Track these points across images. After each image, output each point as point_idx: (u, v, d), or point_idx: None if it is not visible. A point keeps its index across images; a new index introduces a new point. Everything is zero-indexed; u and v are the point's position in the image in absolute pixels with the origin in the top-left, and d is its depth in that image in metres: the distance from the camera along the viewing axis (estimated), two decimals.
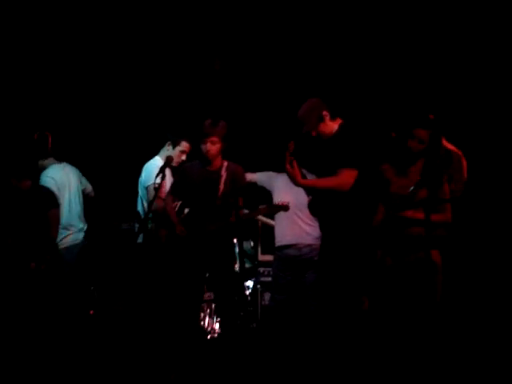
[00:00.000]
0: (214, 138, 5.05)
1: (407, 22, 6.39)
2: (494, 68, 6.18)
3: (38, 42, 6.78)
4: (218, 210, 5.14)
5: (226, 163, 5.21)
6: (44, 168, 6.04)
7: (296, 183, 4.27)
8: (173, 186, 5.35)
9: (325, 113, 4.40)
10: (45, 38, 6.75)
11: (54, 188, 5.86)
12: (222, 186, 5.13)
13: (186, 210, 5.50)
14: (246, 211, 5.47)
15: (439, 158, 4.49)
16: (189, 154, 5.72)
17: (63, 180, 6.04)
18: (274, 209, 5.44)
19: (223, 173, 5.16)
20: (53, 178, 5.94)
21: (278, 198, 5.69)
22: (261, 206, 5.58)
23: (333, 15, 6.53)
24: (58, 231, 5.76)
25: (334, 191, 4.27)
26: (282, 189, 5.65)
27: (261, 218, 6.28)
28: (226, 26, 6.70)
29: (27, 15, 6.52)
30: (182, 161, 5.63)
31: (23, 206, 5.61)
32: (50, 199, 5.70)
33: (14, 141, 6.43)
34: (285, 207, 5.34)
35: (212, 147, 5.06)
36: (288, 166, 4.20)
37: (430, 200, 4.25)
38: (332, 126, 4.42)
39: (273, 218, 5.98)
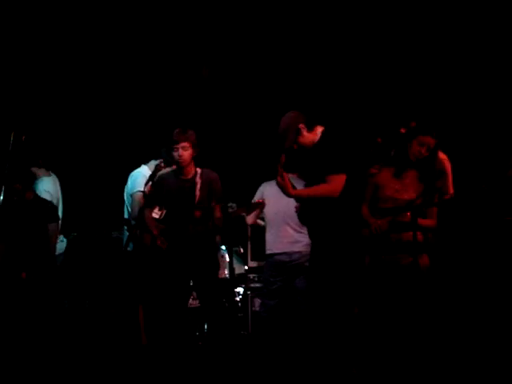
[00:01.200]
0: (185, 144, 5.07)
1: (394, 25, 6.44)
2: (471, 72, 6.24)
3: (23, 48, 6.77)
4: (197, 217, 5.14)
5: (199, 170, 5.22)
6: (35, 177, 6.03)
7: (288, 195, 4.31)
8: (148, 198, 5.34)
9: (301, 126, 4.41)
10: (29, 46, 6.74)
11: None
12: (198, 193, 5.14)
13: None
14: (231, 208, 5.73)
15: (436, 166, 4.56)
16: None
17: (56, 193, 6.09)
18: (252, 207, 5.83)
19: (198, 180, 5.17)
20: (49, 192, 5.95)
21: (269, 205, 5.75)
22: (240, 208, 5.88)
23: (318, 21, 6.58)
24: (55, 245, 5.82)
25: (325, 198, 4.30)
26: (272, 197, 5.70)
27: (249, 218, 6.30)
28: (214, 33, 6.73)
29: (13, 17, 6.50)
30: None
31: (25, 216, 5.61)
32: (52, 213, 5.75)
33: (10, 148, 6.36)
34: (260, 204, 5.75)
35: (184, 153, 5.08)
36: (279, 179, 4.23)
37: (423, 205, 4.34)
38: (311, 136, 4.43)
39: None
